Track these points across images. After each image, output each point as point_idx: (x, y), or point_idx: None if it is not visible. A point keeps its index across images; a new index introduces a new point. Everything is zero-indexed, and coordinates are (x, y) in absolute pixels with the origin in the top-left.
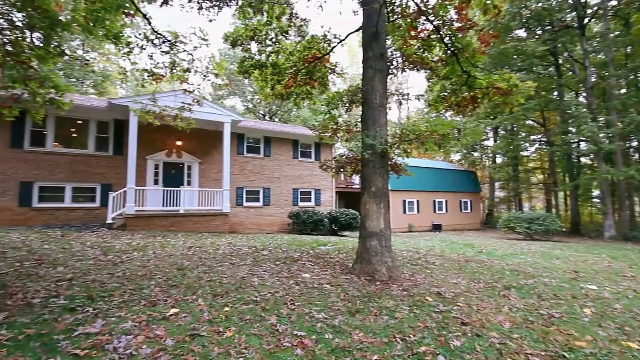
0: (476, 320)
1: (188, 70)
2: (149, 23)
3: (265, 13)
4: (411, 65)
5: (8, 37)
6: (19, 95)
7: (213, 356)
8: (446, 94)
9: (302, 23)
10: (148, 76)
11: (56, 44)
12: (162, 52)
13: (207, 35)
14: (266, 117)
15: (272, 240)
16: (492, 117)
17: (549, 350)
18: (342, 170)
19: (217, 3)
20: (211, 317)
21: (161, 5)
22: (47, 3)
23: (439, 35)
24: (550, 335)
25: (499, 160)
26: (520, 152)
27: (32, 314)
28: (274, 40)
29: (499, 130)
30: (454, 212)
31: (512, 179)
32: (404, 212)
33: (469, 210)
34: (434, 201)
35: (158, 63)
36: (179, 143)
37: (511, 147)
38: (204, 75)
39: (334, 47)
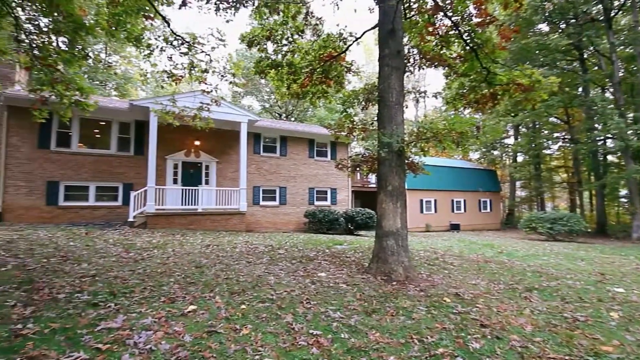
0: (496, 322)
1: (206, 70)
2: (168, 25)
3: (281, 13)
4: (429, 63)
5: (35, 42)
6: (47, 97)
7: (230, 353)
8: (465, 91)
9: (318, 22)
10: (167, 77)
11: (80, 47)
12: (181, 53)
13: (225, 35)
14: (282, 117)
15: (288, 239)
16: (512, 114)
17: (573, 354)
18: (358, 169)
19: (234, 4)
20: (228, 315)
21: (180, 7)
22: (72, 7)
23: (457, 31)
24: (574, 339)
25: (520, 158)
26: (543, 150)
27: (57, 308)
28: (289, 39)
29: (520, 127)
30: (472, 212)
31: (534, 178)
32: (421, 211)
33: (488, 210)
34: (452, 200)
35: (177, 64)
36: (197, 143)
37: (533, 145)
38: (222, 76)
39: (350, 45)
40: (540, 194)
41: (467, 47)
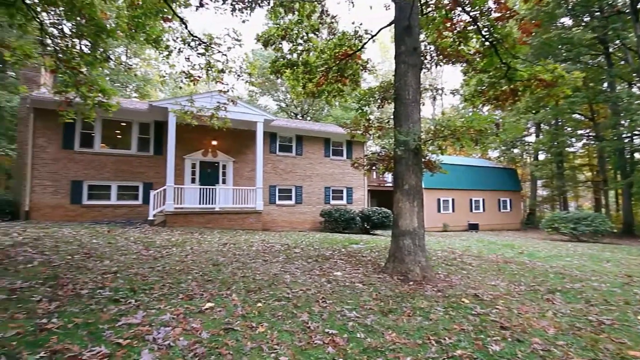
0: (517, 324)
1: (222, 70)
2: (186, 26)
3: (296, 12)
4: (446, 59)
5: (59, 45)
6: (72, 99)
7: (246, 350)
8: (484, 87)
9: (333, 20)
10: (185, 78)
11: (102, 50)
12: (198, 54)
13: (240, 35)
14: (298, 116)
15: (304, 238)
16: (534, 111)
17: (599, 359)
18: (374, 167)
19: (249, 4)
20: (244, 312)
21: (197, 9)
22: (94, 11)
23: (476, 27)
24: (600, 343)
25: (541, 157)
26: (566, 148)
27: (81, 304)
28: (305, 38)
29: (541, 125)
30: (492, 212)
31: (557, 176)
32: (439, 211)
33: (508, 209)
34: (471, 200)
35: (194, 65)
36: (214, 143)
37: (555, 143)
38: (238, 75)
39: (366, 43)
40: (563, 193)
41: (486, 43)
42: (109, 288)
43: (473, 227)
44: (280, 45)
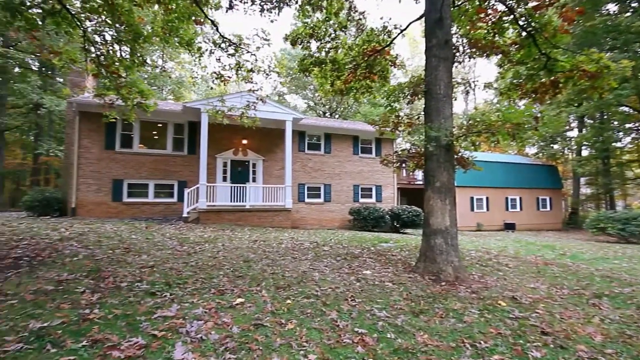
0: (560, 330)
1: (252, 70)
2: (217, 28)
3: (324, 10)
4: (479, 51)
5: (101, 51)
6: (113, 101)
7: (275, 347)
8: (521, 80)
9: (361, 16)
10: (216, 78)
11: (139, 54)
12: (229, 54)
13: (269, 35)
14: (326, 114)
15: (333, 236)
16: (576, 104)
17: None
18: (404, 165)
19: (277, 4)
20: (274, 309)
21: (227, 11)
22: (132, 18)
23: (512, 16)
24: None
25: (584, 152)
26: (612, 144)
27: (120, 296)
28: (332, 36)
29: (584, 118)
30: (529, 210)
31: (602, 173)
32: (472, 209)
33: (547, 208)
34: (507, 198)
35: (225, 65)
36: (244, 142)
37: (600, 138)
38: (267, 74)
39: (395, 38)
40: (610, 191)
41: (524, 33)
42: (146, 281)
43: (509, 226)
44: (308, 44)
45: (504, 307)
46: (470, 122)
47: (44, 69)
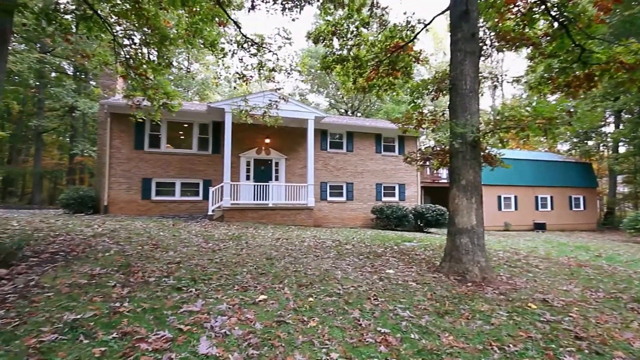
0: (595, 335)
1: (274, 69)
2: (239, 29)
3: (346, 6)
4: (508, 44)
5: (130, 53)
6: (140, 101)
7: (297, 344)
8: (553, 73)
9: (383, 12)
10: (239, 78)
11: (165, 56)
12: (251, 54)
13: (290, 34)
14: (348, 113)
15: (356, 234)
16: (612, 98)
17: None
18: (427, 163)
19: (299, 2)
20: (296, 306)
21: (248, 11)
22: (158, 21)
23: (543, 7)
24: None
25: (622, 149)
26: None
27: (148, 290)
28: (354, 33)
29: (622, 113)
30: (561, 210)
31: None
32: (499, 209)
33: (581, 207)
34: (537, 197)
35: (247, 65)
36: (267, 141)
37: (639, 134)
38: (288, 73)
39: (418, 33)
40: None
41: (556, 24)
42: (173, 277)
43: (539, 226)
44: (330, 41)
45: (535, 310)
46: (498, 117)
47: (78, 73)
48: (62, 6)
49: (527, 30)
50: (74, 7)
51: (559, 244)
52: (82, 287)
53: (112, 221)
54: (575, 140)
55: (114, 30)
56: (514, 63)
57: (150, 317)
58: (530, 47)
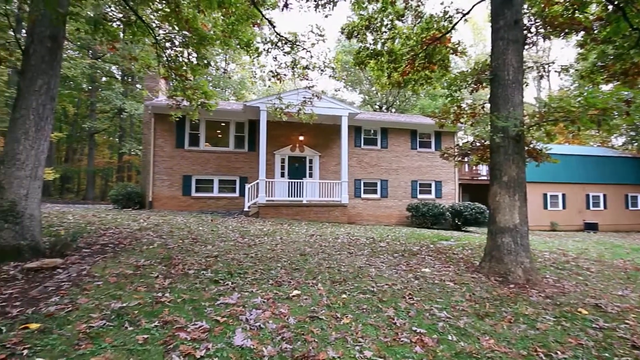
0: None
1: (307, 67)
2: (273, 27)
3: (380, 0)
4: (556, 31)
5: (171, 56)
6: (180, 101)
7: (331, 340)
8: (607, 61)
9: (419, 3)
10: (273, 77)
11: (204, 58)
12: (285, 52)
13: (324, 30)
14: (383, 109)
15: (390, 232)
16: None
17: None
18: (466, 158)
19: None
20: (329, 302)
21: (282, 10)
22: (196, 22)
23: None
24: None
25: None
26: None
27: (188, 282)
28: (389, 26)
29: None
30: (616, 209)
31: None
32: (545, 207)
33: (639, 207)
34: (587, 195)
35: (281, 64)
36: (301, 138)
37: None
38: (321, 70)
39: (456, 23)
40: None
41: (610, 7)
42: (210, 270)
43: (590, 226)
44: (364, 36)
45: (586, 316)
46: (544, 109)
47: (125, 77)
48: (109, 14)
49: (577, 14)
50: (120, 15)
51: (612, 245)
52: (128, 277)
53: (156, 216)
54: (632, 133)
55: (156, 34)
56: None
57: (189, 308)
58: (581, 32)
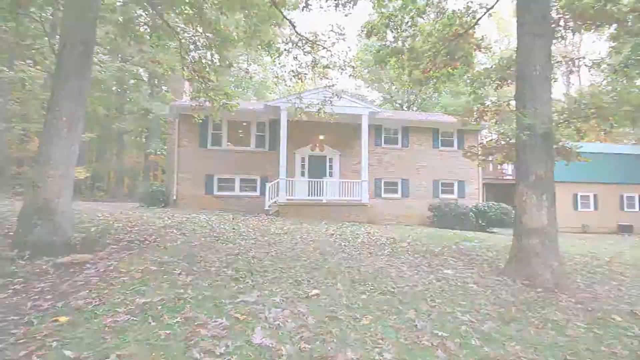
0: None
1: (327, 66)
2: (294, 28)
3: None
4: (586, 24)
5: (194, 58)
6: (203, 102)
7: (350, 341)
8: None
9: None
10: (294, 76)
11: (226, 59)
12: (305, 52)
13: (344, 29)
14: (404, 107)
15: (411, 232)
16: None
17: None
18: (490, 157)
19: None
20: (349, 303)
21: (302, 10)
22: (218, 24)
23: None
24: None
25: None
26: None
27: (209, 279)
28: (409, 23)
29: None
30: None
31: None
32: (575, 208)
33: None
34: (622, 196)
35: (301, 63)
36: (321, 137)
37: None
38: (342, 69)
39: (480, 18)
40: None
41: None
42: (231, 268)
43: (625, 229)
44: (384, 34)
45: (620, 323)
46: (575, 105)
47: (151, 79)
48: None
49: (609, 6)
50: (148, 19)
51: None
52: (152, 273)
53: (179, 214)
54: None
55: (181, 37)
56: (593, 45)
57: (210, 305)
58: (614, 25)
